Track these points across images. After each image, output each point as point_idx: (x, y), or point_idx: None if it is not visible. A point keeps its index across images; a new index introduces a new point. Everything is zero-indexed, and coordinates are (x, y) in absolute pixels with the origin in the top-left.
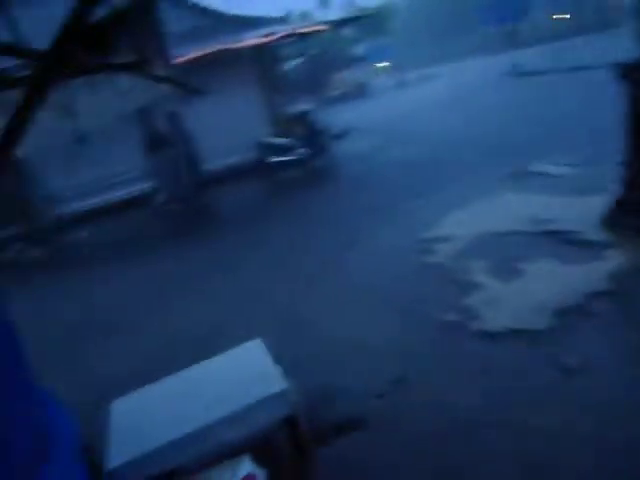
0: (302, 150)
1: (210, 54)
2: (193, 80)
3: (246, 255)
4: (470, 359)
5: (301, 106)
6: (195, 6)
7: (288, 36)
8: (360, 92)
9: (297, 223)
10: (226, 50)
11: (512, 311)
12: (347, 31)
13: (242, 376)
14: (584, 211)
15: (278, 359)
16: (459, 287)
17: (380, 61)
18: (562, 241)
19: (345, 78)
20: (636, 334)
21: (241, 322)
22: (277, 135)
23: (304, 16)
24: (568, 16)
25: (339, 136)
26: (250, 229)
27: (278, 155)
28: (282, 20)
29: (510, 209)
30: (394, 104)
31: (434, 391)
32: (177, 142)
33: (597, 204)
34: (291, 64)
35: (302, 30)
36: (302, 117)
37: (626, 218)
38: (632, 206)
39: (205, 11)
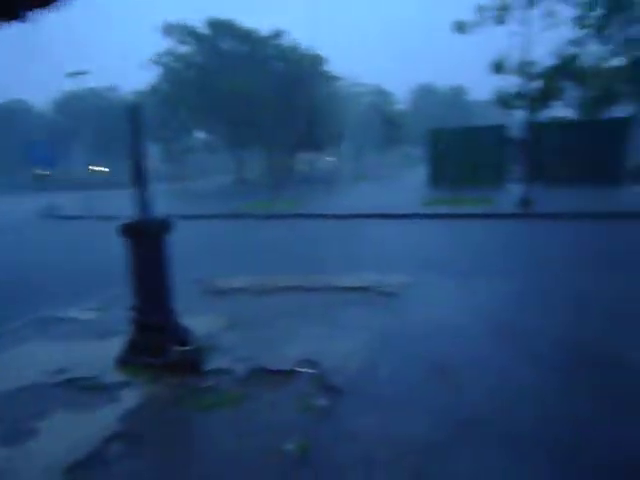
0: None
1: None
2: None
3: None
4: None
5: None
6: None
7: None
8: None
9: None
10: None
11: None
12: None
13: None
14: (102, 354)
15: None
16: None
17: None
18: (79, 388)
19: None
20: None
21: None
22: None
23: None
24: (107, 170)
25: None
26: None
27: None
28: None
29: (30, 360)
30: None
31: None
32: None
33: (115, 346)
34: None
35: None
36: None
37: (138, 357)
38: (142, 346)
39: None
